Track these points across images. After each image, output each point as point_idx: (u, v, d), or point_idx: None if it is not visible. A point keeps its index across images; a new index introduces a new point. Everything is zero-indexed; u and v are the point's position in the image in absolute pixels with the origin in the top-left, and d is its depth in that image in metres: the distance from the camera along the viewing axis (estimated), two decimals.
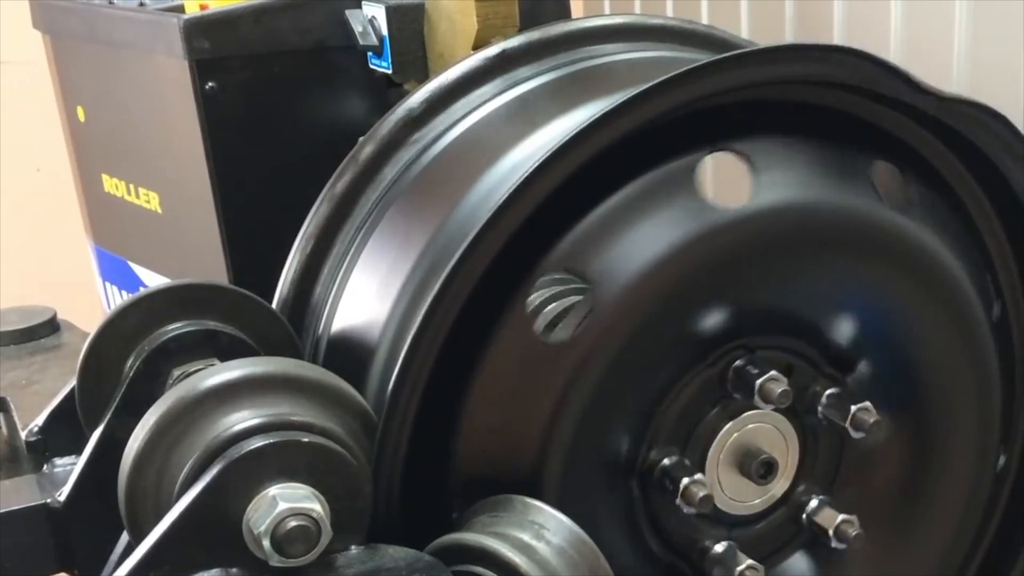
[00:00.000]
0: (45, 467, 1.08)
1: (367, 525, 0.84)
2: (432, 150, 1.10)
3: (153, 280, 1.83)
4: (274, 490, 0.79)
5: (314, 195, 1.61)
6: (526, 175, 0.87)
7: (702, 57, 1.18)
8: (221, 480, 0.79)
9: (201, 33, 1.51)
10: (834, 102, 1.02)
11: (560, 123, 1.02)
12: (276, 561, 0.78)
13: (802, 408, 1.03)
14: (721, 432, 1.00)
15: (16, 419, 1.11)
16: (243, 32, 1.54)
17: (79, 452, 1.08)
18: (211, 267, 1.63)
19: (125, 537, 0.88)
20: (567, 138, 0.88)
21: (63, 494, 1.01)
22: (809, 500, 1.05)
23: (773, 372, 0.97)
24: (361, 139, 1.49)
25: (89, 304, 2.05)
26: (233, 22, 1.53)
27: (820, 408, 1.02)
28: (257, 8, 1.54)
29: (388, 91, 1.61)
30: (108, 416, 1.01)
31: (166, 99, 1.61)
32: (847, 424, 1.00)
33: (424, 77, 1.54)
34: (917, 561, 1.10)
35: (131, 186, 1.78)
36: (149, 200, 1.75)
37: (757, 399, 0.97)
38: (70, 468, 1.07)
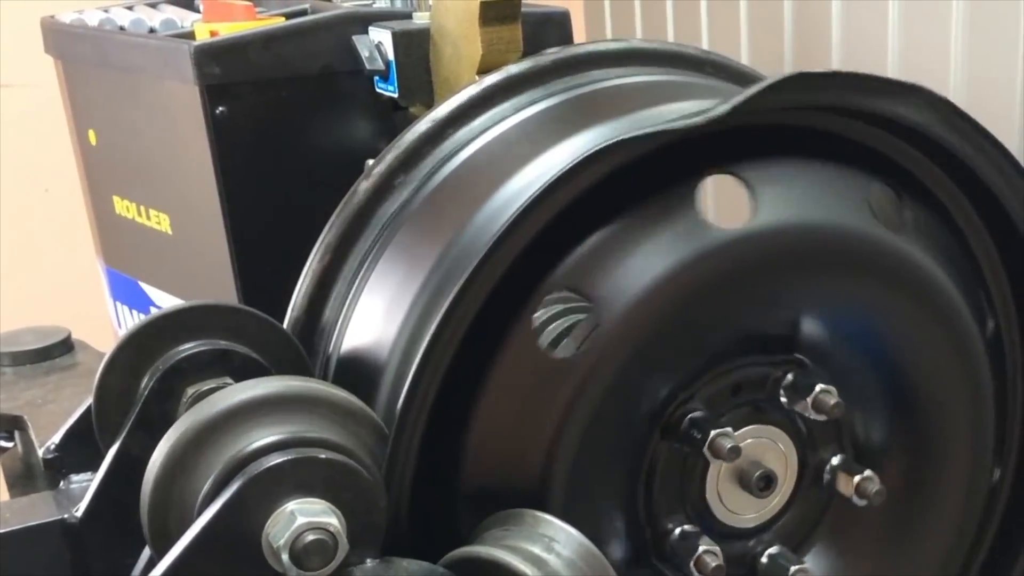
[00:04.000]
0: (62, 483, 1.10)
1: (382, 539, 0.86)
2: (441, 172, 1.13)
3: (164, 300, 1.86)
4: (292, 505, 0.82)
5: (321, 217, 1.64)
6: (528, 201, 0.90)
7: (711, 83, 1.21)
8: (241, 496, 0.81)
9: (211, 59, 1.54)
10: (829, 125, 1.04)
11: (570, 144, 1.05)
12: (295, 574, 0.81)
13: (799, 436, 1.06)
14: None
15: (33, 437, 1.13)
16: (252, 58, 1.57)
17: (95, 469, 1.11)
18: (221, 287, 1.65)
19: (146, 552, 0.90)
20: (572, 163, 0.90)
21: (80, 510, 1.03)
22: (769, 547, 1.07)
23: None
24: (370, 162, 1.53)
25: (100, 324, 2.07)
26: (242, 48, 1.56)
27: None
28: (266, 34, 1.57)
29: (394, 114, 1.64)
30: (123, 434, 1.04)
31: (177, 123, 1.64)
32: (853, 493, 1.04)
33: (430, 101, 1.57)
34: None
35: (142, 208, 1.80)
36: (160, 222, 1.77)
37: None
38: (86, 484, 1.09)
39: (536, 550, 0.89)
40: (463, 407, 0.95)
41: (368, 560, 0.85)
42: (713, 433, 0.98)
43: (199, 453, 0.85)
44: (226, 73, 1.56)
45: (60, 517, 1.03)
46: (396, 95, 1.57)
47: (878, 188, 1.04)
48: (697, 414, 1.00)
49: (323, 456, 0.83)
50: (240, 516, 0.82)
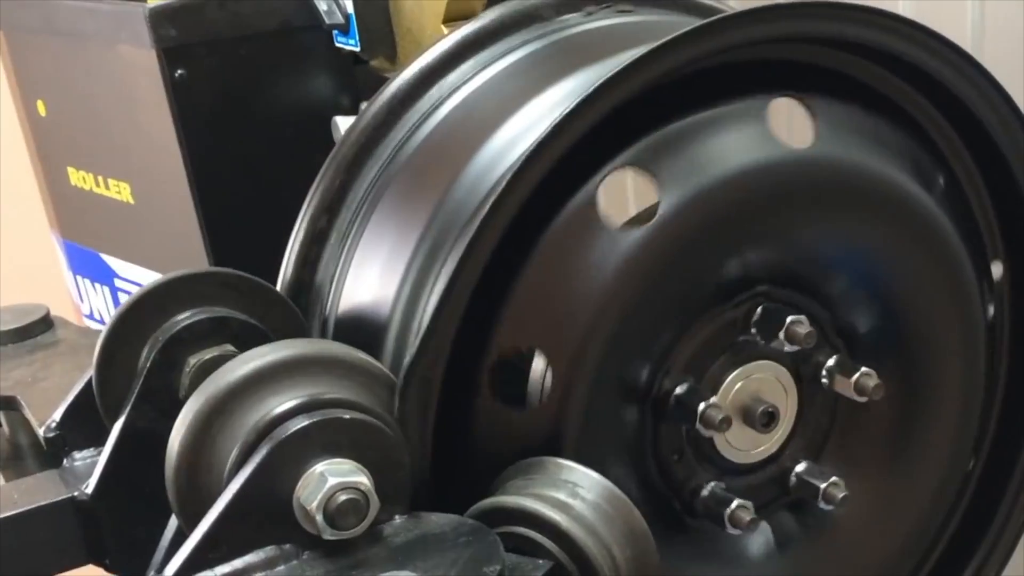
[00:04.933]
0: (65, 461, 1.09)
1: (409, 495, 0.86)
2: (427, 124, 1.12)
3: (128, 271, 1.83)
4: (320, 467, 0.82)
5: (287, 175, 1.62)
6: (612, 74, 0.89)
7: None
8: (269, 461, 0.81)
9: (167, 21, 1.51)
10: (836, 64, 1.06)
11: (566, 84, 1.05)
12: (329, 535, 0.81)
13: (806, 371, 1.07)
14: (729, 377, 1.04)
15: (30, 416, 1.12)
16: (209, 17, 1.54)
17: (97, 445, 1.10)
18: (190, 254, 1.63)
19: (172, 523, 0.90)
20: (655, 46, 0.91)
21: (89, 487, 1.02)
22: (797, 463, 1.09)
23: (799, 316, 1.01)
24: (337, 119, 1.52)
25: (58, 298, 2.04)
26: (199, 8, 1.53)
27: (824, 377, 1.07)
28: None
29: (355, 68, 1.63)
30: (128, 407, 1.02)
31: (133, 89, 1.61)
32: (852, 391, 1.05)
33: (392, 53, 1.55)
34: (902, 515, 1.15)
35: (100, 178, 1.77)
36: (120, 191, 1.74)
37: (783, 338, 1.00)
38: (91, 461, 1.08)
39: (561, 496, 0.89)
40: (473, 367, 0.95)
41: (396, 516, 0.85)
42: (702, 407, 0.99)
43: (221, 422, 0.85)
44: (183, 34, 1.53)
45: (70, 495, 1.02)
46: (357, 48, 1.56)
47: (917, 148, 1.06)
48: (681, 389, 1.01)
49: (347, 416, 0.83)
50: (270, 481, 0.81)
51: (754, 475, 1.09)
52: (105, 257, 1.87)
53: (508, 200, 0.89)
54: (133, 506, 1.03)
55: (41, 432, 1.08)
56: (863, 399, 1.05)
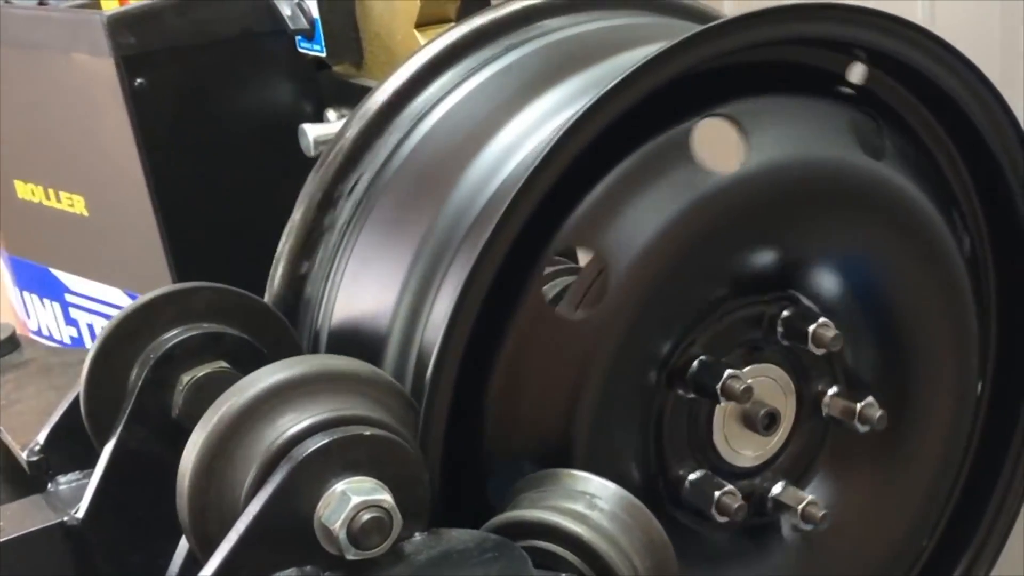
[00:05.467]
0: (50, 485, 1.05)
1: (428, 511, 0.85)
2: (415, 135, 1.10)
3: (81, 285, 1.78)
4: (341, 485, 0.79)
5: (250, 183, 1.60)
6: (567, 126, 0.88)
7: (675, 22, 1.21)
8: (289, 481, 0.79)
9: (127, 28, 1.48)
10: (803, 58, 1.06)
11: (551, 96, 1.04)
12: (352, 555, 0.79)
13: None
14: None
15: (10, 440, 1.08)
16: (168, 25, 1.51)
17: (83, 468, 1.07)
18: (151, 266, 1.60)
19: (181, 548, 0.87)
20: (615, 82, 0.89)
21: (80, 510, 0.99)
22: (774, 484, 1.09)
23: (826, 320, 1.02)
24: (305, 126, 1.49)
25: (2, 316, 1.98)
26: (158, 14, 1.50)
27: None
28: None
29: (318, 74, 1.60)
30: (120, 428, 0.99)
31: (89, 99, 1.56)
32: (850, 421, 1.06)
33: (359, 58, 1.53)
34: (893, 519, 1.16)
35: (51, 191, 1.72)
36: (73, 204, 1.70)
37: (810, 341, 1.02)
38: (77, 484, 1.05)
39: (579, 508, 0.88)
40: (480, 378, 0.93)
41: (416, 534, 0.84)
42: (725, 375, 0.99)
43: (236, 442, 0.82)
44: (142, 42, 1.50)
45: (59, 520, 0.98)
46: (323, 54, 1.53)
47: (858, 117, 1.05)
48: (704, 358, 1.01)
49: (367, 433, 0.81)
50: (290, 501, 0.79)
51: (741, 481, 1.08)
52: (56, 272, 1.82)
53: (525, 198, 0.88)
54: (126, 530, 1.00)
55: (24, 455, 1.04)
56: (865, 429, 1.06)
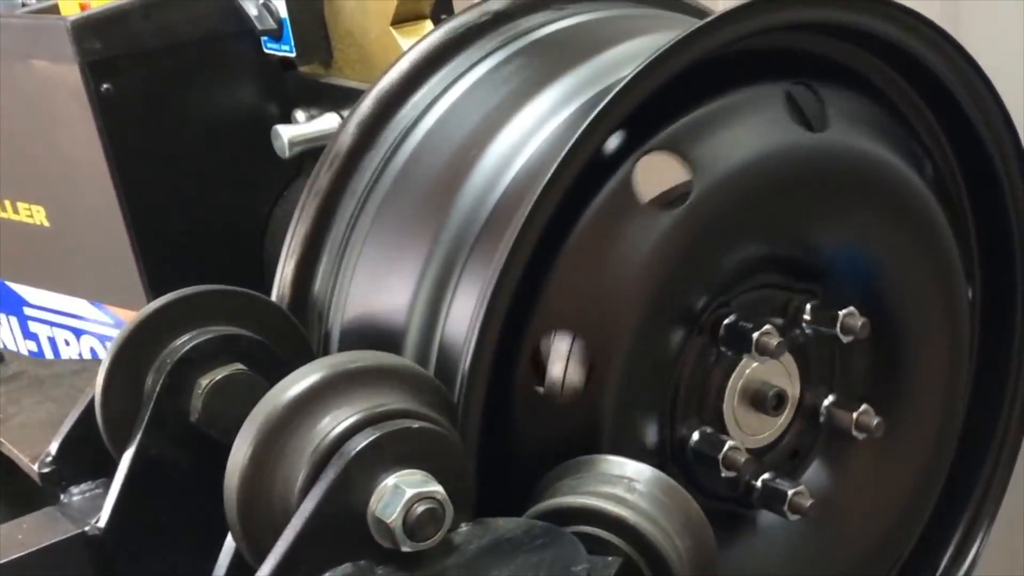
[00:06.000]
0: (63, 496, 1.03)
1: (473, 501, 0.85)
2: (414, 135, 1.10)
3: (40, 298, 1.74)
4: (393, 479, 0.80)
5: (221, 187, 1.58)
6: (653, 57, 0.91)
7: (662, 13, 1.23)
8: (343, 477, 0.79)
9: (92, 33, 1.44)
10: (806, 45, 1.08)
11: (556, 88, 1.05)
12: (408, 547, 0.79)
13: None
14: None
15: (15, 452, 1.05)
16: (134, 28, 1.48)
17: (95, 478, 1.05)
18: (120, 275, 1.56)
19: (227, 548, 0.86)
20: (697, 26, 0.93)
21: (101, 520, 0.97)
22: (821, 402, 1.12)
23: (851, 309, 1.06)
24: (279, 127, 1.47)
25: None
26: (123, 18, 1.47)
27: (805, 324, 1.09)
28: (145, 2, 1.48)
29: (286, 75, 1.58)
30: (139, 435, 0.98)
31: (50, 106, 1.52)
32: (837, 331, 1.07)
33: (328, 58, 1.52)
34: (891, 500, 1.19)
35: (7, 202, 1.68)
36: (32, 214, 1.65)
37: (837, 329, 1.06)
38: (91, 495, 1.03)
39: (619, 491, 0.89)
40: (508, 365, 0.94)
41: (463, 524, 0.84)
42: (759, 332, 1.01)
43: (284, 440, 0.82)
44: (108, 47, 1.46)
45: (80, 531, 0.97)
46: (292, 54, 1.51)
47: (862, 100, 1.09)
48: (736, 317, 1.03)
49: (416, 426, 0.81)
50: (343, 497, 0.79)
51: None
52: (13, 285, 1.77)
53: (552, 191, 0.89)
54: (148, 538, 0.99)
55: (35, 467, 1.02)
56: (862, 436, 1.09)
